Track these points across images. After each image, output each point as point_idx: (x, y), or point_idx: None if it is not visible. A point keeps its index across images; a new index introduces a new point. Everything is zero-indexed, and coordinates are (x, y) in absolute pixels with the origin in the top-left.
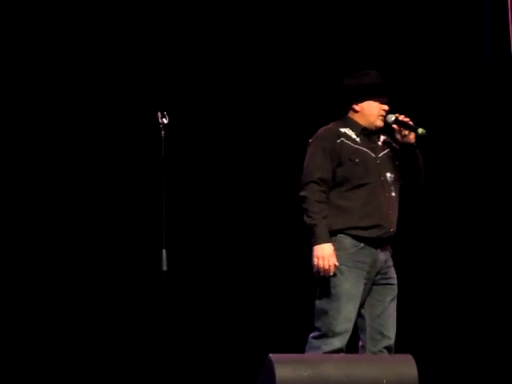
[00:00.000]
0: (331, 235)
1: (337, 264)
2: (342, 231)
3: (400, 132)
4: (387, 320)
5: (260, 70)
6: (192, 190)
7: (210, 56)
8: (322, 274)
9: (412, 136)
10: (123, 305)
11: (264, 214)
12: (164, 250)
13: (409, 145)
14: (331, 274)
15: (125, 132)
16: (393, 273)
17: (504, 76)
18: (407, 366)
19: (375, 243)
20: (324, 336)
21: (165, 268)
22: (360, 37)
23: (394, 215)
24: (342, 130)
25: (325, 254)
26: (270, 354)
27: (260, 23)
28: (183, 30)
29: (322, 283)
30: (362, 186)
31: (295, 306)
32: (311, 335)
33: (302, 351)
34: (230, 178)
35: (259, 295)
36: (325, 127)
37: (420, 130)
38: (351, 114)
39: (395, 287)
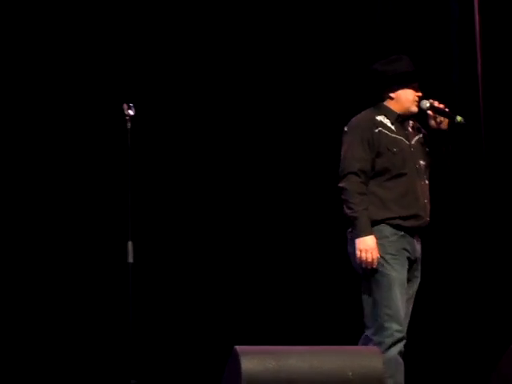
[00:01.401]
0: (372, 225)
1: (379, 256)
2: (383, 221)
3: (435, 118)
4: (407, 311)
5: (229, 59)
6: (158, 181)
7: (177, 47)
8: (364, 266)
9: (446, 123)
10: (89, 297)
11: (229, 204)
12: (130, 242)
13: (442, 131)
14: (374, 266)
15: (91, 124)
16: (420, 264)
17: (469, 55)
18: (373, 359)
19: (412, 232)
20: (382, 328)
21: (131, 260)
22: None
23: (428, 204)
24: (378, 118)
25: (368, 247)
26: (236, 346)
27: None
28: (147, 21)
29: (368, 276)
30: (401, 175)
31: (261, 297)
32: (367, 333)
33: (268, 343)
34: (195, 169)
35: (225, 287)
36: (360, 115)
37: (459, 118)
38: (386, 102)
39: (418, 280)
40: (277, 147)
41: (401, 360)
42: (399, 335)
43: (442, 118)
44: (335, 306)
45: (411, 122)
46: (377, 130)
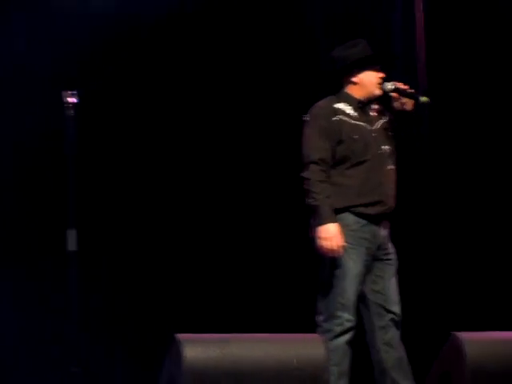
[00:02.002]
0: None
1: (343, 244)
2: (344, 209)
3: (399, 100)
4: (390, 295)
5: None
6: (102, 169)
7: (123, 34)
8: (327, 254)
9: (411, 104)
10: (31, 285)
11: (171, 188)
12: (71, 230)
13: (406, 113)
14: (339, 254)
15: (33, 111)
16: (392, 248)
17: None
18: (317, 346)
19: (376, 219)
20: (333, 316)
21: (74, 248)
22: None
23: (393, 190)
24: (337, 105)
25: (331, 235)
26: (178, 334)
27: None
28: (89, 6)
29: (325, 264)
30: (362, 162)
31: (203, 286)
32: (320, 318)
33: (208, 331)
34: (138, 156)
35: (167, 275)
36: (319, 104)
37: (423, 99)
38: (348, 88)
39: (394, 262)
40: (235, 136)
41: (349, 349)
42: (349, 324)
43: (406, 100)
44: (280, 293)
45: (375, 106)
46: (336, 118)
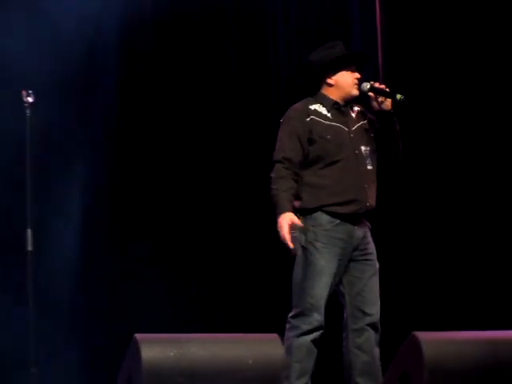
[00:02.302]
0: (308, 213)
1: (287, 235)
2: (318, 209)
3: (376, 99)
4: (368, 297)
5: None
6: (57, 169)
7: (80, 32)
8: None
9: (389, 103)
10: None
11: (126, 187)
12: (29, 230)
13: (385, 112)
14: (289, 244)
15: None
16: (371, 248)
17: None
18: (273, 346)
19: (352, 219)
20: (301, 314)
21: (30, 248)
22: None
23: (370, 189)
24: (312, 107)
25: (280, 225)
26: (136, 334)
27: None
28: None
29: (298, 262)
30: (336, 162)
31: (162, 286)
32: (289, 315)
33: (167, 331)
34: (96, 155)
35: (126, 275)
36: (294, 106)
37: (398, 96)
38: (324, 90)
39: (374, 263)
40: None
41: (314, 348)
42: (316, 324)
43: (384, 99)
44: (246, 293)
45: (356, 108)
46: (308, 119)
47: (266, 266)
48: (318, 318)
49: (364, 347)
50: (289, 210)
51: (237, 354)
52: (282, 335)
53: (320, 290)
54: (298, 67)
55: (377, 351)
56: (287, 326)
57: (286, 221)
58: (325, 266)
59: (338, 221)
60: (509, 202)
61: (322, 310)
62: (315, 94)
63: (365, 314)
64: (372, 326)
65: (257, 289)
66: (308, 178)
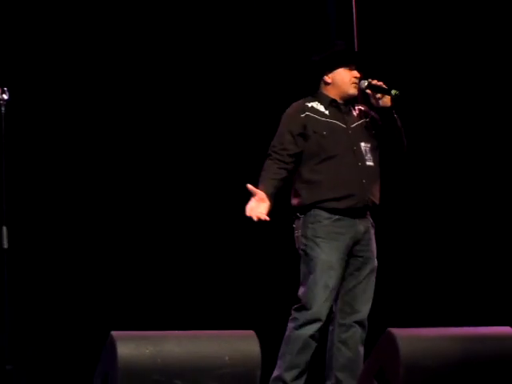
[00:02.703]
0: (307, 210)
1: (248, 211)
2: (315, 205)
3: (374, 96)
4: (360, 294)
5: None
6: (33, 165)
7: (54, 30)
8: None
9: (387, 99)
10: None
11: (103, 188)
12: (4, 227)
13: (385, 109)
14: (254, 218)
15: None
16: (371, 246)
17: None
18: (250, 342)
19: (351, 214)
20: (303, 308)
21: (6, 246)
22: None
23: (370, 184)
24: (310, 104)
25: (252, 199)
26: (112, 332)
27: None
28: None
29: (302, 257)
30: (332, 158)
31: (138, 282)
32: (294, 306)
33: (145, 328)
34: (70, 154)
35: (101, 272)
36: (293, 104)
37: (393, 92)
38: (323, 88)
39: (373, 261)
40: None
41: (312, 343)
42: (314, 317)
43: (381, 95)
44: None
45: (358, 107)
46: (303, 115)
47: (244, 262)
48: (316, 310)
49: (349, 343)
50: (261, 189)
51: (213, 350)
52: (258, 332)
53: (320, 283)
54: (298, 66)
55: (361, 349)
56: (290, 317)
57: (251, 199)
58: (325, 259)
59: (337, 216)
60: (490, 200)
61: (324, 304)
62: (315, 93)
63: (354, 310)
64: (359, 323)
65: (234, 285)
66: (305, 174)
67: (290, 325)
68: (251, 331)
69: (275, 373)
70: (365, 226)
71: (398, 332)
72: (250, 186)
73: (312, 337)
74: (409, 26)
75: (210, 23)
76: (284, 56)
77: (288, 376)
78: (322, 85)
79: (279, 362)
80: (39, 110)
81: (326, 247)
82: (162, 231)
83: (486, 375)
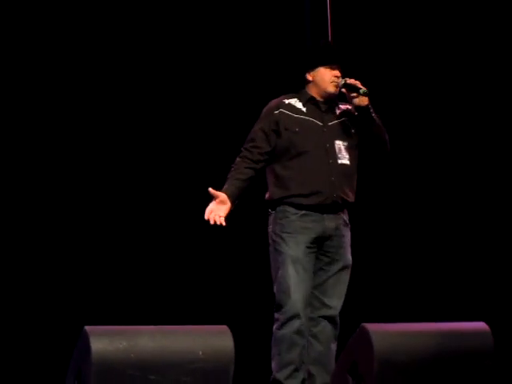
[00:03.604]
0: (276, 205)
1: (207, 214)
2: (283, 200)
3: (349, 95)
4: (330, 289)
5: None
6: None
7: (46, 27)
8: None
9: (364, 98)
10: None
11: (72, 184)
12: None
13: (362, 107)
14: (211, 221)
15: None
16: (344, 243)
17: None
18: (223, 338)
19: (318, 209)
20: (279, 306)
21: None
22: None
23: (340, 182)
24: (287, 100)
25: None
26: (86, 326)
27: None
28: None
29: (272, 252)
30: (302, 154)
31: (113, 277)
32: (274, 307)
33: (119, 323)
34: (65, 146)
35: (74, 265)
36: (272, 100)
37: (361, 91)
38: (306, 86)
39: (345, 258)
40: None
41: (298, 339)
42: (291, 313)
43: (356, 94)
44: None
45: (342, 106)
46: (277, 112)
47: (220, 256)
48: (293, 306)
49: (319, 337)
50: (225, 189)
51: (187, 345)
52: (232, 327)
53: (289, 278)
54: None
55: (333, 346)
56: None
57: (216, 201)
58: (291, 254)
59: (304, 211)
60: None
61: (298, 299)
62: (300, 90)
63: (323, 304)
64: (329, 318)
65: (209, 279)
66: (277, 170)
67: (274, 326)
68: (225, 326)
69: (271, 376)
70: (336, 222)
71: (371, 327)
72: (211, 190)
73: (296, 333)
74: (385, 24)
75: (195, 23)
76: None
77: (281, 375)
78: (306, 83)
79: (272, 365)
80: (33, 104)
81: (291, 242)
82: (138, 225)
83: (459, 370)
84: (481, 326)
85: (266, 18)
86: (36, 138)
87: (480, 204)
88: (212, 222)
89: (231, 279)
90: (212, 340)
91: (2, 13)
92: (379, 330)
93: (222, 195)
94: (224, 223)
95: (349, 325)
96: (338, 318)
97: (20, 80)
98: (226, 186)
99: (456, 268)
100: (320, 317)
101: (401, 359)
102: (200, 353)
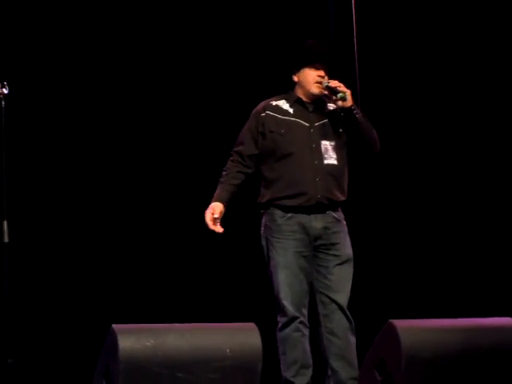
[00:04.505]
0: (265, 208)
1: (208, 222)
2: (270, 203)
3: (330, 97)
4: (332, 285)
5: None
6: (33, 160)
7: (53, 24)
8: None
9: (348, 99)
10: None
11: (100, 186)
12: (5, 222)
13: (345, 108)
14: (210, 227)
15: None
16: (337, 238)
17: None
18: (251, 335)
19: (304, 211)
20: (278, 309)
21: (6, 240)
22: None
23: (325, 182)
24: (275, 102)
25: (208, 210)
26: (113, 325)
27: None
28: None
29: (265, 255)
30: (287, 156)
31: (140, 275)
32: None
33: (146, 321)
34: (70, 149)
35: (103, 265)
36: (261, 102)
37: (339, 94)
38: (295, 87)
39: (341, 253)
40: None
41: (299, 337)
42: (291, 315)
43: (335, 97)
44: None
45: (330, 106)
46: (263, 114)
47: (246, 254)
48: (290, 310)
49: (336, 331)
50: (217, 200)
51: (214, 343)
52: (259, 324)
53: (283, 282)
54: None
55: (352, 338)
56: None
57: (209, 210)
58: (281, 259)
59: (290, 214)
60: (482, 188)
61: (294, 301)
62: (290, 91)
63: (331, 300)
64: (340, 312)
65: (235, 277)
66: (264, 172)
67: (276, 328)
68: (252, 323)
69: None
70: (322, 221)
71: (399, 323)
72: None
73: (296, 331)
74: (408, 24)
75: (206, 23)
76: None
77: (289, 374)
78: (294, 84)
79: (281, 366)
80: (39, 104)
81: (279, 247)
82: (163, 223)
83: (487, 366)
84: (507, 321)
85: (286, 22)
86: (36, 138)
87: (500, 197)
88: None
89: (258, 276)
90: (240, 337)
91: (3, 13)
92: (406, 327)
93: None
94: (221, 231)
95: (375, 321)
96: (347, 311)
97: (20, 80)
98: (218, 191)
99: (482, 263)
100: (332, 311)
101: (428, 355)
102: (228, 350)
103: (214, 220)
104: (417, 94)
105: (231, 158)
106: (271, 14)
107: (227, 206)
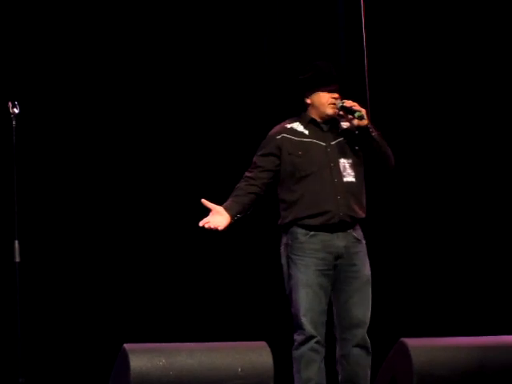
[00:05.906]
0: (287, 228)
1: (211, 225)
2: (292, 223)
3: (346, 117)
4: (354, 308)
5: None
6: (44, 180)
7: (62, 44)
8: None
9: (365, 117)
10: None
11: (112, 201)
12: (16, 241)
13: (361, 127)
14: (211, 227)
15: None
16: (358, 259)
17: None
18: (262, 354)
19: (327, 229)
20: (296, 327)
21: (17, 259)
22: None
23: (346, 200)
24: (289, 125)
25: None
26: (125, 344)
27: None
28: (31, 19)
29: (285, 274)
30: (307, 176)
31: (150, 295)
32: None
33: (158, 340)
34: (80, 167)
35: (113, 285)
36: (276, 126)
37: (356, 114)
38: (308, 109)
39: (362, 274)
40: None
41: (314, 355)
42: (308, 333)
43: (352, 116)
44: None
45: (343, 125)
46: (279, 137)
47: (255, 274)
48: (308, 328)
49: (349, 356)
50: (226, 205)
51: (226, 362)
52: (270, 343)
53: (304, 300)
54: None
55: (366, 361)
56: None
57: (215, 212)
58: (302, 277)
59: (312, 232)
60: (498, 207)
61: (313, 321)
62: (302, 112)
63: (349, 324)
64: (360, 345)
65: (246, 296)
66: (283, 194)
67: (293, 347)
68: (263, 342)
69: None
70: (344, 239)
71: (410, 342)
72: (204, 202)
73: (312, 350)
74: (419, 41)
75: (211, 25)
76: (294, 61)
77: None
78: (306, 106)
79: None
80: (49, 123)
81: (301, 265)
82: (177, 244)
83: None
84: None
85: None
86: (47, 158)
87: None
88: (207, 227)
89: (270, 294)
90: (251, 356)
91: (4, 13)
92: (418, 345)
93: (216, 207)
94: (220, 228)
95: (387, 340)
96: (367, 342)
97: (31, 99)
98: (229, 202)
99: (495, 282)
100: (348, 335)
101: (440, 374)
102: (239, 369)
103: (214, 216)
104: (428, 109)
105: (243, 181)
106: (280, 33)
107: (239, 217)
